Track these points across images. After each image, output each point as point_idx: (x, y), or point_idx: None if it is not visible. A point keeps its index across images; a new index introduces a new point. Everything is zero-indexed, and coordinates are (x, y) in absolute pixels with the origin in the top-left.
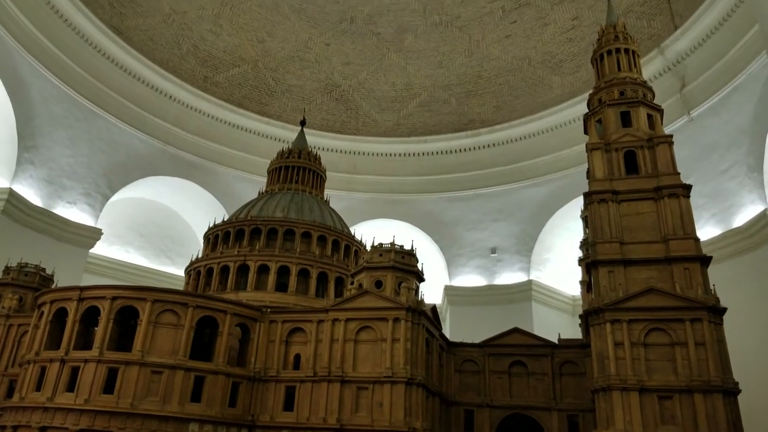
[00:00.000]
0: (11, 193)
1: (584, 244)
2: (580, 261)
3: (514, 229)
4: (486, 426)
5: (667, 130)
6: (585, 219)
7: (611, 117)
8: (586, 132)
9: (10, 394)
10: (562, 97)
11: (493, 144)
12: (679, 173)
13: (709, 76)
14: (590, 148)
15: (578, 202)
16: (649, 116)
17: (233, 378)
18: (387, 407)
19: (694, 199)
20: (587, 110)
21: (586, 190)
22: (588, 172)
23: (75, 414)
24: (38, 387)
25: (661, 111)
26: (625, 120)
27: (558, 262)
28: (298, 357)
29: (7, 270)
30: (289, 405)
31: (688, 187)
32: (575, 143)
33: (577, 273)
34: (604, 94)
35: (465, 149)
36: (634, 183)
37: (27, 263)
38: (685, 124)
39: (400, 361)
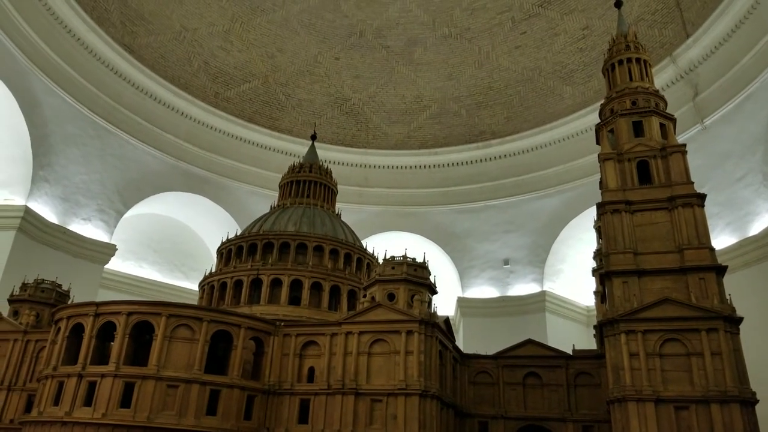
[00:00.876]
0: (27, 211)
1: (598, 255)
2: (594, 271)
3: (526, 240)
4: None
5: (680, 139)
6: (598, 229)
7: (623, 127)
8: (598, 142)
9: (28, 408)
10: (574, 107)
11: (504, 155)
12: (692, 182)
13: (722, 84)
14: (603, 159)
15: (591, 213)
16: (662, 125)
17: (248, 391)
18: (401, 419)
19: (709, 207)
20: (599, 120)
21: (599, 200)
22: (601, 182)
23: (93, 428)
24: (56, 401)
25: (673, 120)
26: (638, 130)
27: (572, 273)
28: (312, 370)
29: (24, 287)
30: (303, 417)
31: (703, 197)
32: (587, 153)
33: (592, 283)
34: (616, 104)
35: (476, 161)
36: (647, 193)
37: (43, 280)
38: (698, 133)
39: (414, 373)
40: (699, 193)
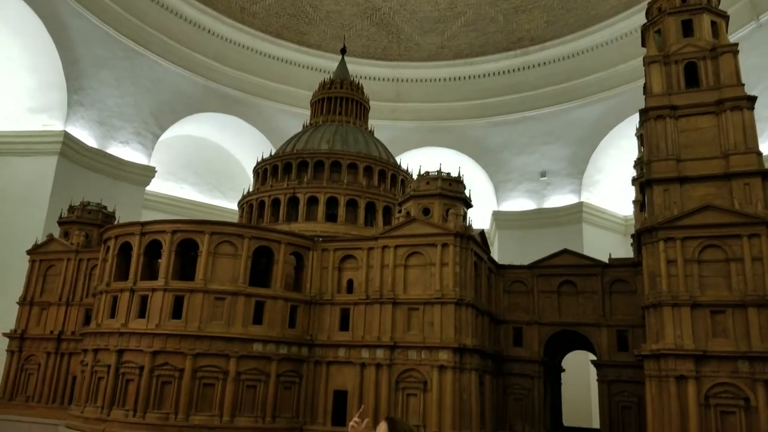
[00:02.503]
0: (66, 136)
1: (639, 163)
2: (634, 180)
3: (565, 151)
4: (535, 341)
5: (732, 38)
6: (640, 137)
7: (671, 26)
8: (643, 44)
9: (87, 321)
10: (618, 7)
11: (544, 63)
12: (743, 84)
13: None
14: (648, 62)
15: (633, 120)
16: (713, 24)
17: (291, 302)
18: (438, 326)
19: (759, 110)
20: (645, 21)
21: (642, 106)
22: (645, 87)
23: (148, 338)
24: (112, 314)
25: (726, 17)
26: (687, 29)
27: (610, 183)
28: (350, 282)
29: (72, 209)
30: (344, 325)
31: (753, 99)
32: (631, 57)
33: (631, 193)
34: (664, 2)
35: (513, 70)
36: (694, 97)
37: (89, 202)
38: (752, 31)
39: (450, 283)
40: (749, 96)
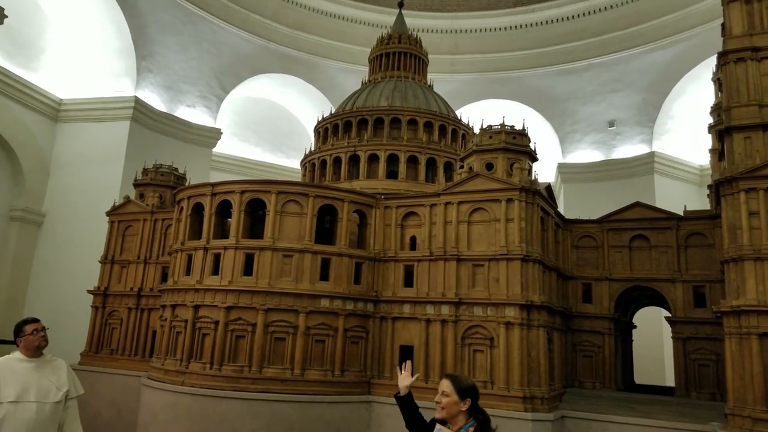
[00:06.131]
0: (137, 101)
1: (716, 110)
2: (711, 128)
3: (635, 99)
4: (605, 297)
5: None
6: (717, 81)
7: None
8: None
9: (164, 278)
10: None
11: (610, 6)
12: None
13: None
14: (728, 1)
15: (709, 64)
16: None
17: (355, 259)
18: (504, 282)
19: None
20: None
21: (719, 49)
22: (723, 27)
23: (222, 294)
24: (187, 272)
25: None
26: None
27: (684, 131)
28: (413, 239)
29: (146, 171)
30: (408, 282)
31: None
32: None
33: (707, 141)
34: None
35: (578, 15)
36: None
37: (161, 164)
38: None
39: (515, 239)
40: None
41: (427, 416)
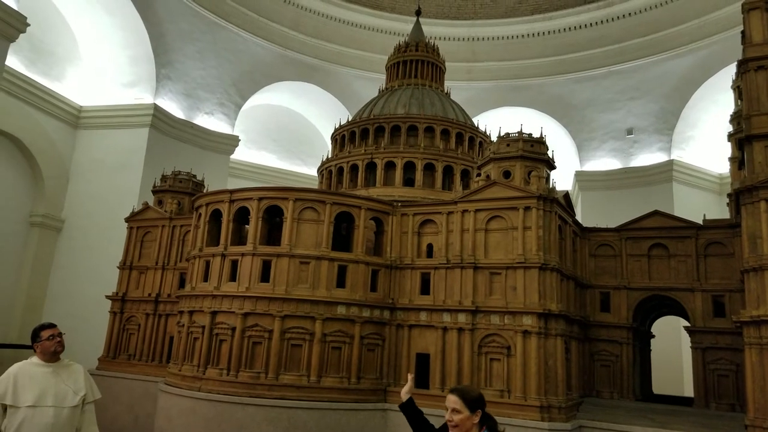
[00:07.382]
0: (156, 108)
1: (736, 118)
2: (731, 136)
3: (653, 107)
4: (623, 306)
5: None
6: (737, 89)
7: None
8: None
9: (182, 284)
10: None
11: (629, 14)
12: None
13: None
14: (747, 8)
15: (728, 72)
16: None
17: (372, 266)
18: (521, 291)
19: None
20: None
21: (739, 57)
22: (743, 35)
23: (239, 300)
24: (205, 278)
25: None
26: None
27: (703, 139)
28: (430, 246)
29: (164, 178)
30: (425, 289)
31: None
32: (726, 4)
33: (726, 149)
34: None
35: (596, 23)
36: None
37: (180, 171)
38: None
39: (533, 247)
40: None
41: (438, 424)
